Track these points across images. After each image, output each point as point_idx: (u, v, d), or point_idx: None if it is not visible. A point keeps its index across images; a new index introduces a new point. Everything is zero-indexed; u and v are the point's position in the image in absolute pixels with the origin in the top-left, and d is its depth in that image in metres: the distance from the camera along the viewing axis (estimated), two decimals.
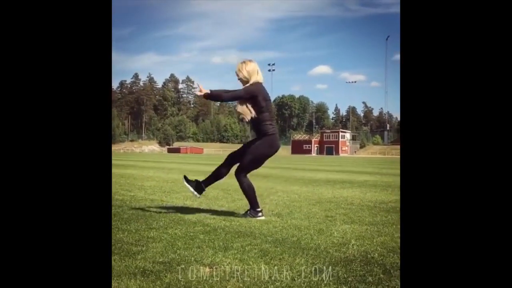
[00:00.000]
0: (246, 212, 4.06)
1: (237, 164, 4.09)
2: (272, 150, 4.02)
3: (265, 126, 3.95)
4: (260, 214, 3.99)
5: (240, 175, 4.02)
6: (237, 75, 4.01)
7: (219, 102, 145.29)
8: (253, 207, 4.01)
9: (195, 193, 4.14)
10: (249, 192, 4.02)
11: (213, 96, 4.00)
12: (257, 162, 4.06)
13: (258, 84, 3.96)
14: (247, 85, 3.96)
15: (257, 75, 3.98)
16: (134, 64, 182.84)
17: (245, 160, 4.01)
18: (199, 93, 4.01)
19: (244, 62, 4.02)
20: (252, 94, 3.89)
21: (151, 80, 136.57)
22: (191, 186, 4.15)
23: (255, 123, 3.98)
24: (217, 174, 4.16)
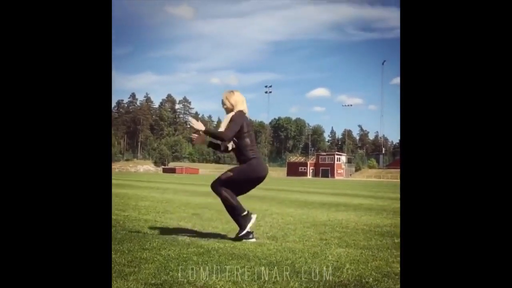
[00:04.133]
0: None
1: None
2: (254, 174, 3.96)
3: (246, 152, 3.97)
4: (250, 236, 3.93)
5: (216, 186, 3.99)
6: (223, 104, 4.12)
7: (215, 124, 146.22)
8: (239, 227, 3.97)
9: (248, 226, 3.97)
10: (227, 208, 3.98)
11: (209, 133, 4.00)
12: (238, 184, 3.98)
13: (241, 113, 4.03)
14: (231, 113, 4.02)
15: (242, 105, 4.08)
16: (132, 83, 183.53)
17: (224, 175, 3.98)
18: (195, 128, 3.97)
19: (231, 91, 4.15)
20: (239, 125, 3.95)
21: (148, 100, 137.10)
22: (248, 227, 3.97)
23: (238, 150, 4.01)
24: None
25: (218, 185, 3.99)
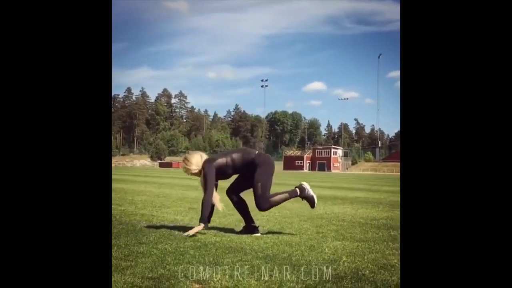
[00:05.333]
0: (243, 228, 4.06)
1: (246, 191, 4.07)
2: (271, 168, 4.01)
3: (248, 159, 3.93)
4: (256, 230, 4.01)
5: (265, 205, 3.93)
6: (189, 171, 3.96)
7: (211, 118, 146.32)
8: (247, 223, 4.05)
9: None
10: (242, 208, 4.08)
11: (207, 217, 3.82)
12: (269, 184, 3.98)
13: (205, 163, 3.90)
14: (203, 171, 3.87)
15: (202, 157, 3.96)
16: (128, 78, 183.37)
17: (259, 190, 3.89)
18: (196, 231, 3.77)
19: (184, 159, 4.01)
20: (215, 171, 3.85)
21: (143, 94, 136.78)
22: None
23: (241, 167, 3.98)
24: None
25: (265, 203, 3.91)
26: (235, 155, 3.95)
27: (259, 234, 3.95)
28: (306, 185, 4.07)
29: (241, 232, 4.00)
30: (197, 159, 3.95)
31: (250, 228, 3.99)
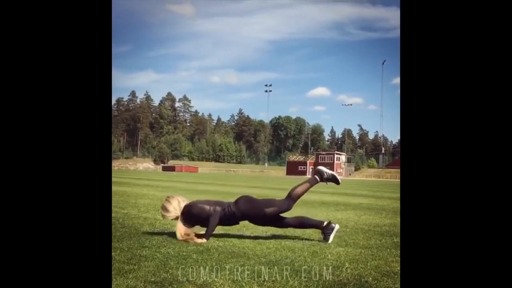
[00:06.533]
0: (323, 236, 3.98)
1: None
2: (250, 197, 3.99)
3: (228, 212, 3.86)
4: (332, 225, 3.97)
5: (281, 222, 3.98)
6: (169, 217, 3.89)
7: (215, 122, 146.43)
8: (319, 227, 3.99)
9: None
10: (303, 223, 4.03)
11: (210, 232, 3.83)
12: (267, 201, 3.98)
13: (187, 206, 3.87)
14: (186, 212, 3.85)
15: (179, 205, 3.88)
16: (132, 81, 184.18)
17: (275, 211, 3.91)
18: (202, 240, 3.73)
19: (165, 204, 3.90)
20: (200, 212, 3.82)
21: (148, 98, 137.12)
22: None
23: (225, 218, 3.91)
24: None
25: (288, 205, 3.92)
26: (218, 208, 3.85)
27: (337, 226, 3.99)
28: (322, 168, 4.04)
29: (325, 239, 3.92)
30: (175, 205, 3.86)
31: (325, 229, 3.94)
